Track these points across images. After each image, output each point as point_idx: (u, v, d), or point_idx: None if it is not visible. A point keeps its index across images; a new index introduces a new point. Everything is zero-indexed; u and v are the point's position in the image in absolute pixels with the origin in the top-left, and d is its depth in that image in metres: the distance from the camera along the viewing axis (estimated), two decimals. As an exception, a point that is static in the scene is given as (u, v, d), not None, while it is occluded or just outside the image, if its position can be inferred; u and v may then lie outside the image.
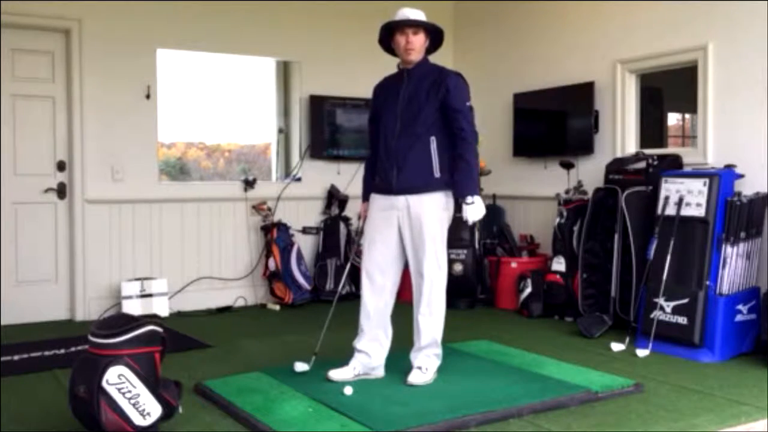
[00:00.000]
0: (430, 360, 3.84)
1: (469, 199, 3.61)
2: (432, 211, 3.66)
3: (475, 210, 3.61)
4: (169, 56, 6.10)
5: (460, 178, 3.64)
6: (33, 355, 4.54)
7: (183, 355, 4.48)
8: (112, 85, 5.80)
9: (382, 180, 3.73)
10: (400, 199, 3.67)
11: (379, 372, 3.84)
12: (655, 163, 5.10)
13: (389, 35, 3.74)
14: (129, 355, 2.96)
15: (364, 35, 6.51)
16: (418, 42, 3.66)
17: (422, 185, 3.64)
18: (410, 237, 3.69)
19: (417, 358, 3.85)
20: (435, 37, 3.78)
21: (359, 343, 3.85)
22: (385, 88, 3.86)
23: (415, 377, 3.74)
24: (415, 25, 3.62)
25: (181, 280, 6.10)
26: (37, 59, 5.68)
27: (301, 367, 3.85)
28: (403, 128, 3.66)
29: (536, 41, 6.43)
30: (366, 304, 3.82)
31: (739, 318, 4.43)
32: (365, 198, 3.92)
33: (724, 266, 4.45)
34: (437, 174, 3.66)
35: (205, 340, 4.95)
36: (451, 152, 3.69)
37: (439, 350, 3.87)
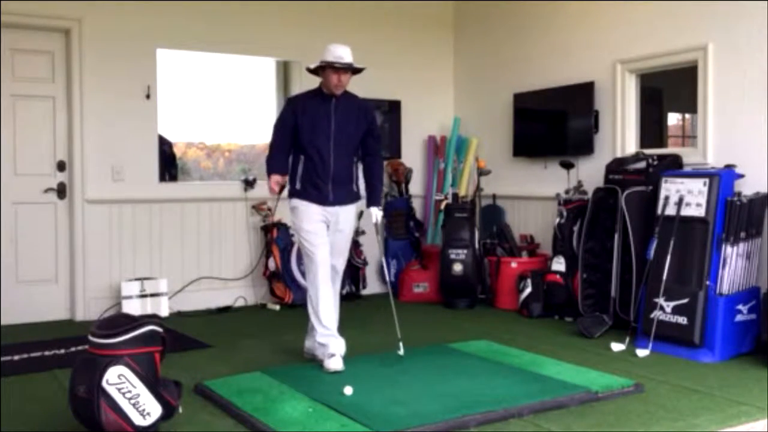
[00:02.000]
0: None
1: (379, 207, 4.46)
2: (353, 219, 4.44)
3: (380, 214, 4.47)
4: (169, 56, 6.10)
5: (376, 192, 4.45)
6: (33, 355, 4.55)
7: (183, 355, 4.49)
8: (112, 85, 5.80)
9: (317, 193, 4.23)
10: (332, 210, 4.26)
11: None
12: (655, 163, 5.09)
13: (320, 67, 4.22)
14: (129, 355, 2.96)
15: (363, 35, 6.54)
16: (347, 79, 4.22)
17: (349, 199, 4.34)
18: (334, 240, 4.29)
19: (341, 344, 4.12)
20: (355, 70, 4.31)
21: (333, 329, 4.15)
22: (309, 106, 4.26)
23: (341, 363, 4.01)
24: (349, 69, 4.19)
25: (181, 280, 6.10)
26: (37, 59, 5.68)
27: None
28: (336, 151, 4.22)
29: (536, 41, 6.43)
30: (327, 294, 4.17)
31: (739, 318, 4.43)
32: (276, 172, 4.29)
33: (724, 266, 4.44)
34: (355, 189, 4.38)
35: (205, 340, 4.95)
36: (358, 168, 4.42)
37: None
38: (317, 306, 4.14)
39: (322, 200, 4.22)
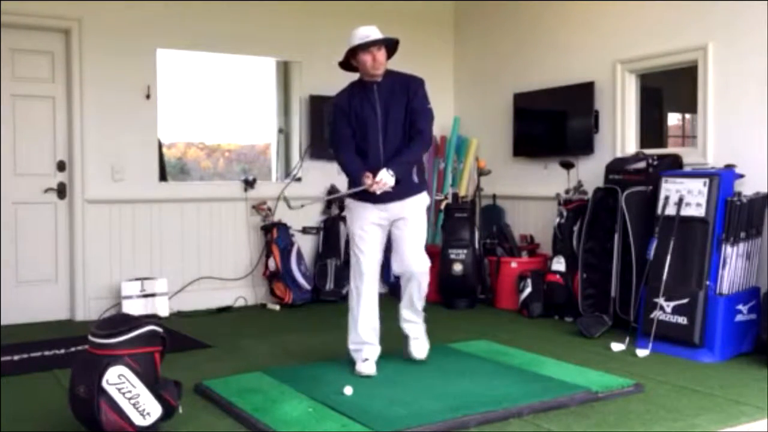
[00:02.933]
0: None
1: (390, 172, 3.78)
2: (419, 212, 4.02)
3: (388, 179, 3.78)
4: (169, 56, 6.10)
5: (398, 157, 3.85)
6: (33, 355, 4.55)
7: (183, 355, 4.48)
8: (112, 85, 5.80)
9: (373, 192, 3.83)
10: (391, 206, 3.93)
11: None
12: (655, 163, 5.09)
13: (350, 55, 3.96)
14: (129, 355, 2.96)
15: (364, 35, 6.53)
16: (382, 56, 3.92)
17: (409, 191, 3.95)
18: (400, 235, 3.97)
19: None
20: (391, 47, 4.02)
21: (369, 340, 4.01)
22: (355, 99, 3.97)
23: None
24: (379, 43, 3.89)
25: (181, 280, 6.10)
26: (37, 59, 5.68)
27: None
28: (387, 144, 3.91)
29: (536, 41, 6.43)
30: (367, 307, 4.00)
31: (739, 318, 4.43)
32: (360, 171, 3.88)
33: (724, 266, 4.44)
34: (416, 179, 3.99)
35: (205, 340, 4.95)
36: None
37: None
38: (356, 317, 3.98)
39: (379, 198, 3.86)
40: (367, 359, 3.93)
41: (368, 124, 3.91)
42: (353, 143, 3.97)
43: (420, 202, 4.02)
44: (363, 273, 3.96)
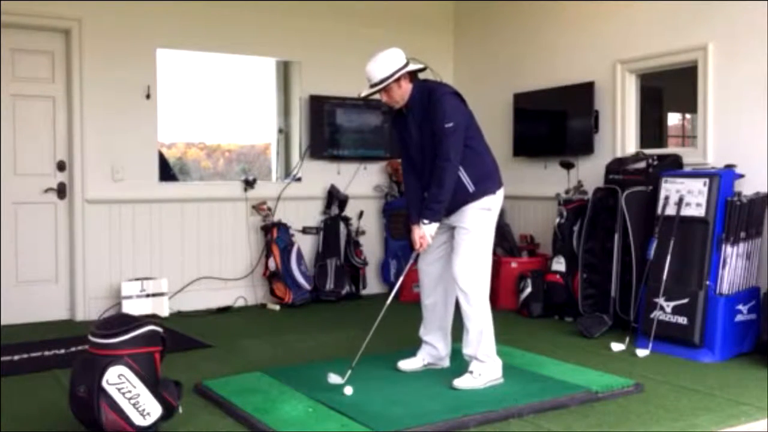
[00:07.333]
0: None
1: (426, 221, 3.74)
2: (470, 218, 3.75)
3: (427, 231, 3.74)
4: (169, 56, 6.10)
5: (425, 204, 3.76)
6: (33, 355, 4.55)
7: (183, 355, 4.48)
8: (112, 85, 5.80)
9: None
10: (446, 222, 3.83)
11: (446, 362, 4.04)
12: (655, 163, 5.10)
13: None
14: (129, 355, 2.96)
15: (363, 35, 6.54)
16: (396, 93, 3.74)
17: (457, 205, 3.76)
18: (453, 243, 3.83)
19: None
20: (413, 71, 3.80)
21: (424, 337, 4.04)
22: (397, 122, 3.94)
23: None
24: (385, 85, 3.69)
25: (181, 280, 6.10)
26: (37, 59, 5.68)
27: (335, 379, 3.58)
28: (425, 166, 3.79)
29: (536, 41, 6.43)
30: (425, 304, 4.04)
31: (739, 318, 4.43)
32: (412, 218, 3.91)
33: (724, 266, 4.45)
34: (471, 187, 3.74)
35: (205, 340, 4.95)
36: (468, 160, 3.77)
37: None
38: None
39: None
40: (411, 356, 4.01)
41: (410, 146, 3.85)
42: (409, 166, 3.91)
43: (478, 208, 3.75)
44: (419, 272, 4.00)
